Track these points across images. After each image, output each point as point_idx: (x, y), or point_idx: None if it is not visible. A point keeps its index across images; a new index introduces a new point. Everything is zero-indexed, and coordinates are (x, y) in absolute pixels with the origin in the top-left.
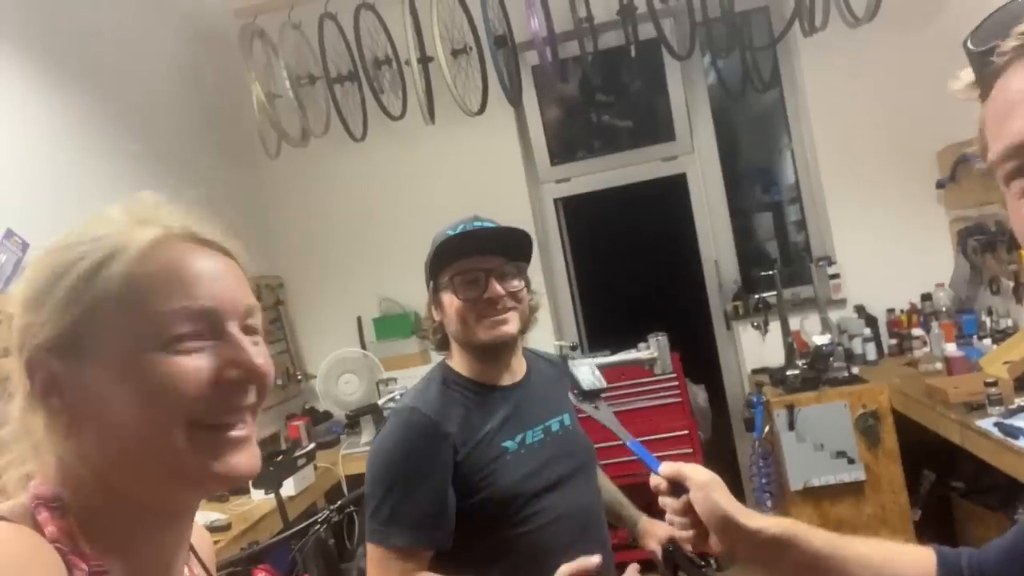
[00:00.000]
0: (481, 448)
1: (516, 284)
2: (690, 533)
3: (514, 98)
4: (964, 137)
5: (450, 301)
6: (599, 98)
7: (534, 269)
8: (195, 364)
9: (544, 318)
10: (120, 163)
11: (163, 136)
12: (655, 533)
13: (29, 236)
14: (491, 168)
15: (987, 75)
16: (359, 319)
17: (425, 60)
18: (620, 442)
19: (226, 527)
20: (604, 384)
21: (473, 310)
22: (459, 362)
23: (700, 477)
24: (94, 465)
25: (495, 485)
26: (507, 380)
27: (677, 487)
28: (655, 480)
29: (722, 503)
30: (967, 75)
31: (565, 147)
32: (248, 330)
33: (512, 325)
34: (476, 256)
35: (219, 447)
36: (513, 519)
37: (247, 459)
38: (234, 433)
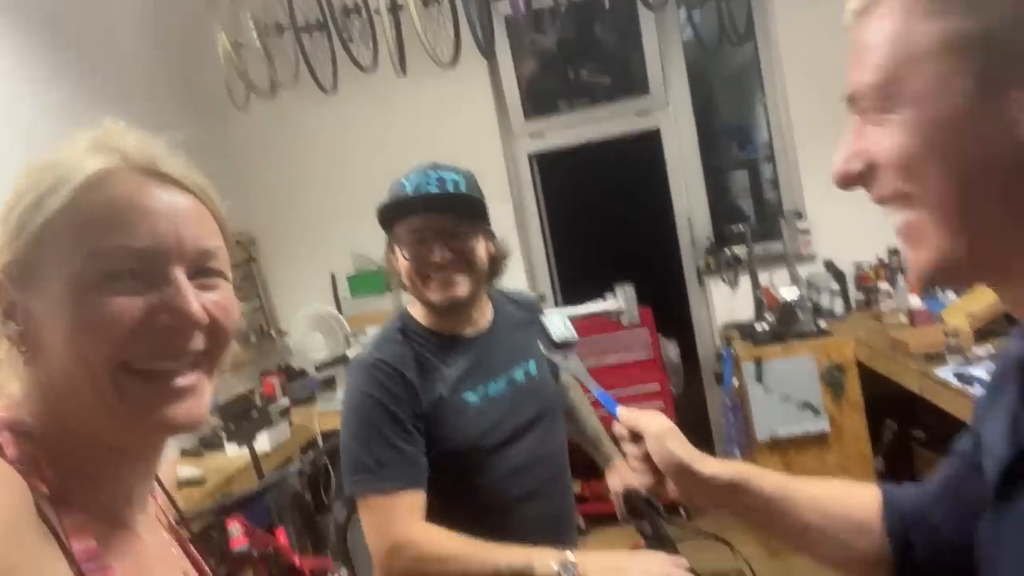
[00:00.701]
0: (441, 400)
1: (468, 245)
2: (649, 479)
3: (487, 50)
4: None
5: (400, 257)
6: (573, 52)
7: (508, 226)
8: (125, 305)
9: (517, 273)
10: (82, 115)
11: (128, 88)
12: (621, 475)
13: None
14: (464, 122)
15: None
16: (333, 276)
17: (395, 9)
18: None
19: (200, 481)
20: (575, 335)
21: (420, 271)
22: (418, 311)
23: (655, 426)
24: (46, 395)
25: (454, 439)
26: (469, 331)
27: (637, 435)
28: (617, 427)
29: (676, 451)
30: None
31: (539, 101)
32: (205, 273)
33: (462, 287)
34: (425, 214)
35: (152, 395)
36: (472, 471)
37: (185, 410)
38: (174, 382)
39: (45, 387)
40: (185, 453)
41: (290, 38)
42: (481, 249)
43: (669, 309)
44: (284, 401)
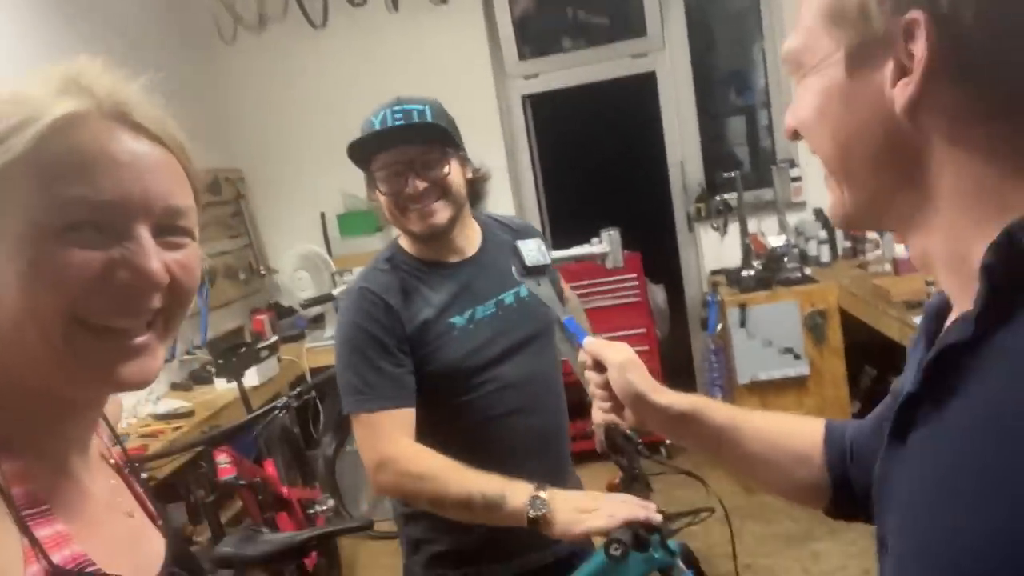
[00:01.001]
0: (427, 324)
1: (441, 172)
2: (608, 405)
3: None
4: None
5: (378, 193)
6: None
7: (499, 168)
8: (82, 258)
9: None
10: (67, 45)
11: (113, 18)
12: (601, 412)
13: None
14: (457, 61)
15: None
16: (323, 215)
17: None
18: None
19: (189, 414)
20: (548, 260)
21: (399, 203)
22: (406, 241)
23: (617, 357)
24: None
25: (439, 361)
26: (455, 257)
27: (600, 364)
28: (581, 355)
29: (635, 381)
30: None
31: (534, 42)
32: (171, 231)
33: (441, 214)
34: (395, 148)
35: (104, 351)
36: (458, 390)
37: (136, 368)
38: (128, 340)
39: None
40: (175, 387)
41: None
42: (456, 175)
43: (658, 254)
44: (273, 338)
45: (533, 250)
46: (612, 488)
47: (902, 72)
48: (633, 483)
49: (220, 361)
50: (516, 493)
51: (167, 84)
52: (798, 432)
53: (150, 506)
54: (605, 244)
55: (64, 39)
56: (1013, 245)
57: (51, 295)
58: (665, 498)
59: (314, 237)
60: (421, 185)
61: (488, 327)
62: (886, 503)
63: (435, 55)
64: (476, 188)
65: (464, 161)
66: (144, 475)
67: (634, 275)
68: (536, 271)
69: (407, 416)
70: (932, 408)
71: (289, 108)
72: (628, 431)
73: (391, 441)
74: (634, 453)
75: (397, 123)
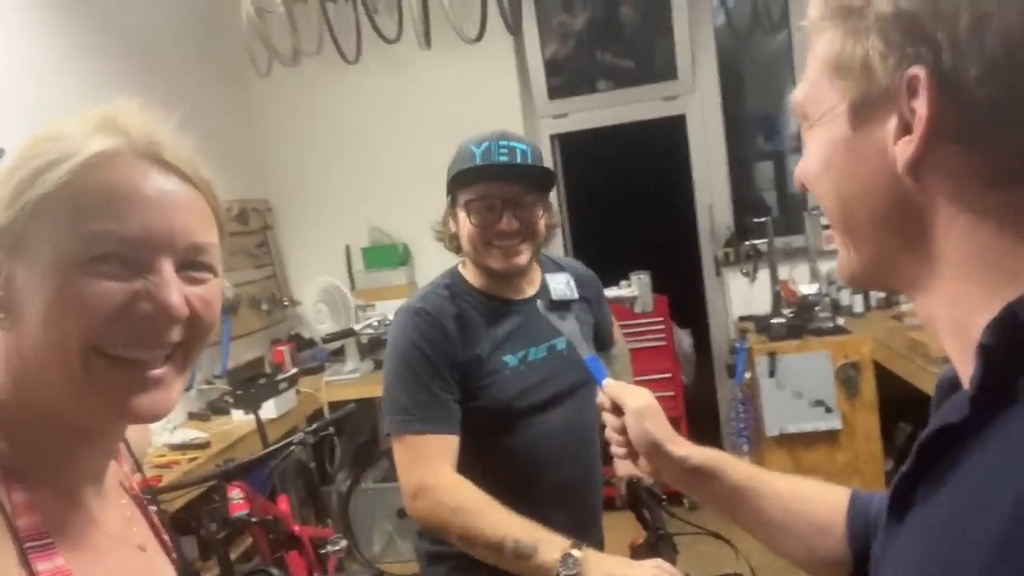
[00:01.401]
0: (479, 359)
1: (533, 215)
2: (623, 452)
3: (513, 26)
4: None
5: (464, 221)
6: (601, 33)
7: None
8: (105, 288)
9: None
10: (107, 79)
11: (151, 53)
12: (626, 464)
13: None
14: (487, 99)
15: None
16: (347, 248)
17: None
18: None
19: (205, 445)
20: (575, 296)
21: (485, 237)
22: (470, 272)
23: (635, 402)
24: (14, 367)
25: (488, 397)
26: (517, 295)
27: (618, 408)
28: (600, 396)
29: (652, 430)
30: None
31: (565, 82)
32: (194, 266)
33: (524, 256)
34: (496, 182)
35: (121, 382)
36: (500, 431)
37: (151, 401)
38: (145, 372)
39: (15, 358)
40: (192, 416)
41: (315, 5)
42: (542, 220)
43: (685, 298)
44: (293, 370)
45: (561, 284)
46: (635, 548)
47: (905, 129)
48: (658, 544)
49: (238, 392)
50: (549, 547)
51: (201, 116)
52: (821, 500)
53: (165, 537)
54: (635, 287)
55: (103, 75)
56: (1016, 324)
57: (73, 323)
58: (688, 554)
59: (338, 269)
60: (514, 224)
61: (539, 371)
62: None
63: (466, 92)
64: (548, 234)
65: (549, 207)
66: (154, 508)
67: (660, 319)
68: (561, 305)
69: (452, 443)
70: (929, 488)
71: (320, 141)
72: (652, 486)
73: (433, 468)
74: (659, 511)
75: (502, 158)
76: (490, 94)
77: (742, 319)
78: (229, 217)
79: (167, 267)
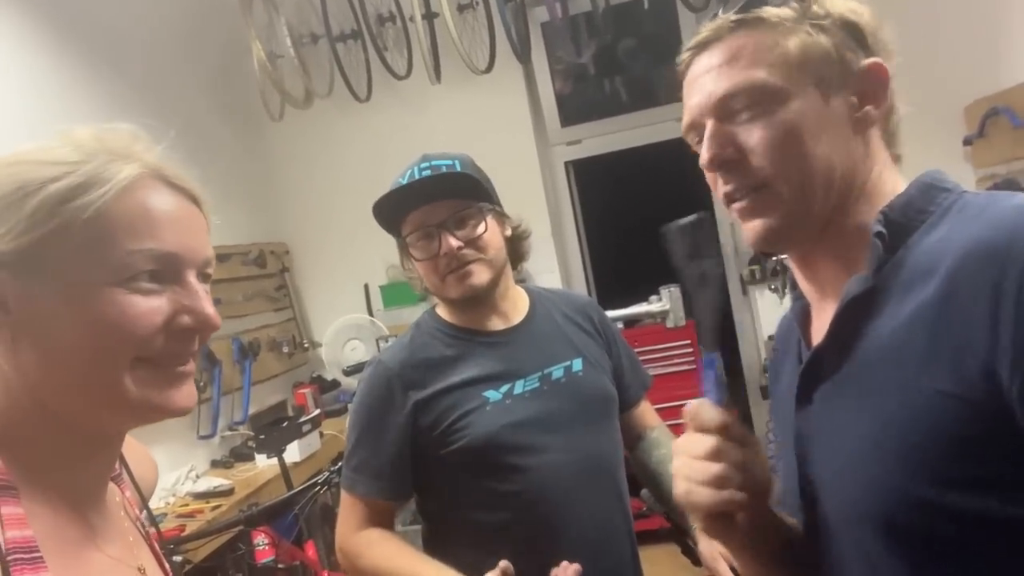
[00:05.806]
0: (454, 396)
1: (475, 231)
2: (728, 494)
3: (522, 56)
4: (992, 91)
5: (413, 261)
6: (611, 57)
7: (543, 234)
8: (151, 305)
9: (553, 281)
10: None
11: (164, 98)
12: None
13: None
14: (500, 129)
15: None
16: (366, 286)
17: (430, 16)
18: None
19: (229, 492)
20: None
21: (435, 268)
22: (443, 308)
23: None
24: (30, 382)
25: (470, 436)
26: (498, 324)
27: (746, 438)
28: (718, 414)
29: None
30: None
31: (576, 108)
32: (204, 278)
33: (479, 275)
34: (425, 207)
35: (161, 381)
36: (494, 469)
37: (185, 395)
38: (177, 368)
39: (32, 375)
40: (215, 464)
41: (325, 47)
42: (493, 232)
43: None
44: (316, 411)
45: None
46: None
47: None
48: None
49: (261, 436)
50: None
51: (217, 163)
52: None
53: (167, 566)
54: (665, 301)
55: (114, 117)
56: (888, 220)
57: (122, 339)
58: None
59: (357, 308)
60: (455, 243)
61: (528, 404)
62: (813, 451)
63: (478, 124)
64: (517, 247)
65: (501, 218)
66: (179, 558)
67: (688, 341)
68: None
69: (378, 508)
70: (836, 357)
71: (334, 181)
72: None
73: (354, 531)
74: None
75: (424, 175)
76: (502, 124)
77: (772, 338)
78: (247, 260)
79: (193, 279)
